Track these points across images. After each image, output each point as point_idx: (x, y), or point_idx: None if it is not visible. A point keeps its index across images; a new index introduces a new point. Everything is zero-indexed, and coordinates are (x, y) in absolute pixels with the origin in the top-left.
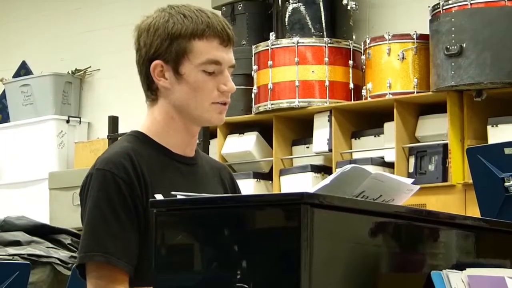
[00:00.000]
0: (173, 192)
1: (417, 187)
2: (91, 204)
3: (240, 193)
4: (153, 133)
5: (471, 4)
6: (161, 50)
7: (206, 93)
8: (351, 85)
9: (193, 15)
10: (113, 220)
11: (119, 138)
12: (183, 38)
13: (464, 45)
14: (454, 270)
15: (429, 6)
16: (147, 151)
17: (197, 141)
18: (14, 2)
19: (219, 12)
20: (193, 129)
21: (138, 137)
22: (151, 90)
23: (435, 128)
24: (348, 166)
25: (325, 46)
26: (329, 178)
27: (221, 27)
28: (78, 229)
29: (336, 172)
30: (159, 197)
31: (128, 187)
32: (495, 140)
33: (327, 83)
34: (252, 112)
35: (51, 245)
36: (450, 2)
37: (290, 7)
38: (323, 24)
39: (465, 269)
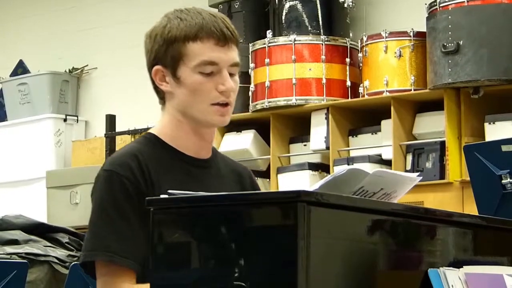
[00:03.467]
0: (169, 191)
1: (419, 177)
2: (96, 204)
3: None
4: (165, 135)
5: (468, 1)
6: (160, 56)
7: (205, 94)
8: (348, 83)
9: (188, 18)
10: (118, 219)
11: (116, 136)
12: (178, 42)
13: (461, 43)
14: (451, 268)
15: (426, 4)
16: (155, 152)
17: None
18: (11, 0)
19: (216, 10)
20: (202, 131)
21: (150, 139)
22: (159, 94)
23: (432, 126)
24: (344, 169)
25: (322, 44)
26: (324, 180)
27: (216, 27)
28: (75, 227)
29: (332, 174)
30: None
31: (134, 186)
32: (492, 138)
33: (324, 80)
34: (250, 110)
35: (48, 244)
36: None
37: (287, 5)
38: (320, 22)
39: (463, 267)
